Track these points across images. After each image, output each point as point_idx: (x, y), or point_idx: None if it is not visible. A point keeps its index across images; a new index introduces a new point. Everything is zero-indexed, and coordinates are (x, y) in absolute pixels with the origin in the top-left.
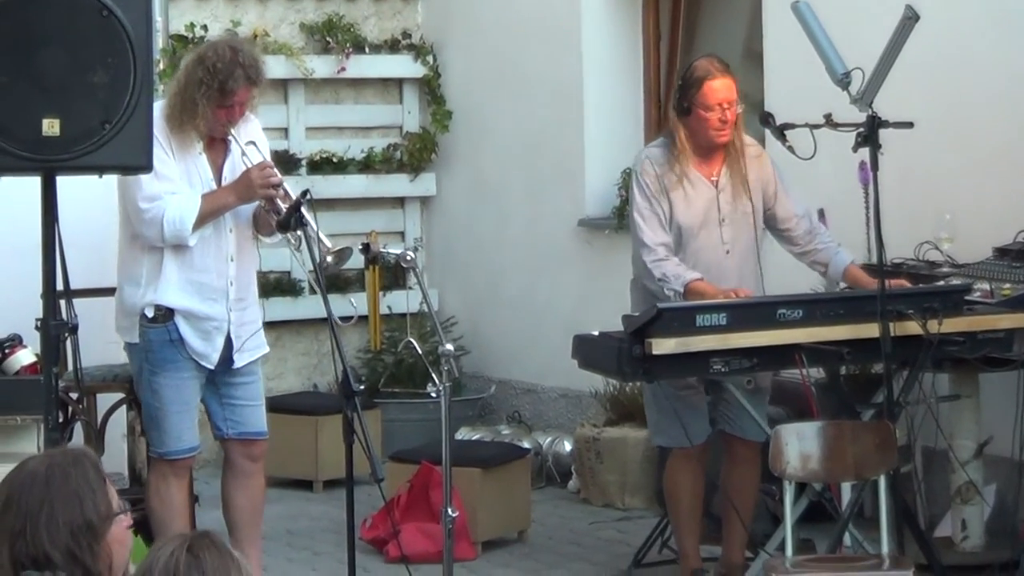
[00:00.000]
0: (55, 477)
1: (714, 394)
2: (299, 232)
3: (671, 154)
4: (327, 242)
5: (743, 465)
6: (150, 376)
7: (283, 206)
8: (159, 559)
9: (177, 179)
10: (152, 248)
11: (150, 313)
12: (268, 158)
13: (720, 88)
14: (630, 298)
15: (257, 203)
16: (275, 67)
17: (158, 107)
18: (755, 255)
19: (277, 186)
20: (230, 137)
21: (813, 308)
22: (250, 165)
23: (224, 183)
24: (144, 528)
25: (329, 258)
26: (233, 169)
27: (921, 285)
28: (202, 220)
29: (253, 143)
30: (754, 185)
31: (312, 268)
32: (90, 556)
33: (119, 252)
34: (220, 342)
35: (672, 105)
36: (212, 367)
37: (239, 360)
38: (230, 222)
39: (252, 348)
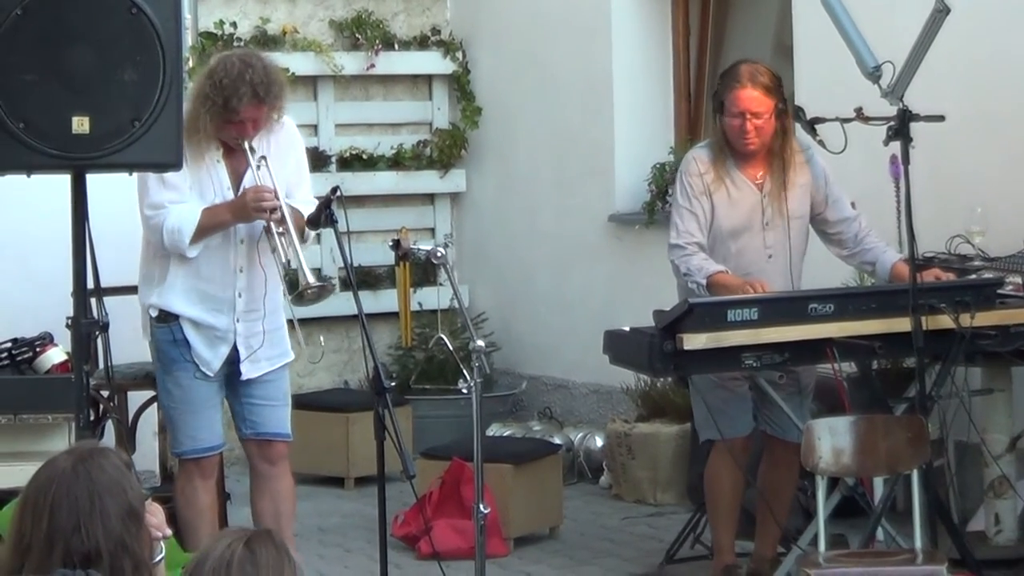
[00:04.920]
0: (92, 470)
1: (756, 393)
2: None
3: (716, 155)
4: (311, 278)
5: (782, 466)
6: (162, 376)
7: (278, 230)
8: (216, 548)
9: (185, 188)
10: (163, 252)
11: (154, 313)
12: (301, 163)
13: (746, 99)
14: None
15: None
16: (304, 64)
17: None
18: (800, 261)
19: (271, 211)
20: (247, 149)
21: (844, 302)
22: (266, 179)
23: (242, 191)
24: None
25: (309, 291)
26: (254, 178)
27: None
28: (201, 233)
29: (264, 158)
30: (802, 191)
31: (343, 265)
32: (137, 542)
33: (141, 252)
34: (224, 351)
35: (712, 96)
36: (211, 374)
37: (250, 371)
38: (241, 233)
39: (270, 358)
